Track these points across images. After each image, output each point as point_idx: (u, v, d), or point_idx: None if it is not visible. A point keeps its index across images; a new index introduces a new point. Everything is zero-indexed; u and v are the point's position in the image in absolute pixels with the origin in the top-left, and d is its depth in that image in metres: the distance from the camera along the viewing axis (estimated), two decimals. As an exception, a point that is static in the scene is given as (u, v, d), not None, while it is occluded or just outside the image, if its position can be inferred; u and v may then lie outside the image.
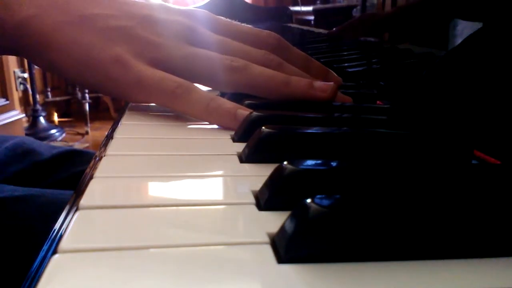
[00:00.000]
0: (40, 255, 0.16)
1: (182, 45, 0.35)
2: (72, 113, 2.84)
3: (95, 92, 2.76)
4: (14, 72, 2.36)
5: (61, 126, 2.63)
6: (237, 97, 0.38)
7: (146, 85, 0.33)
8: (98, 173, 0.23)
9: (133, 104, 0.39)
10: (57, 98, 2.74)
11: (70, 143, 2.40)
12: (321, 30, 0.96)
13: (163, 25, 0.35)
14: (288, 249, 0.16)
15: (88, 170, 0.25)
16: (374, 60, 0.57)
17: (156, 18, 0.35)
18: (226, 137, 0.31)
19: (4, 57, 2.08)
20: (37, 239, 0.21)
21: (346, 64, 0.58)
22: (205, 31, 0.37)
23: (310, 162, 0.22)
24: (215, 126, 0.34)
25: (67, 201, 0.21)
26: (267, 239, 0.17)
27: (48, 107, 2.70)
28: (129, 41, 0.33)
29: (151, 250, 0.16)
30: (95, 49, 0.32)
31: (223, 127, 0.33)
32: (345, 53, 0.68)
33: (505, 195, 0.21)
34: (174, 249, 0.16)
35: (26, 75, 2.46)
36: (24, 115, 2.35)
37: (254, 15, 1.35)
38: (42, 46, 0.32)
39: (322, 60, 0.62)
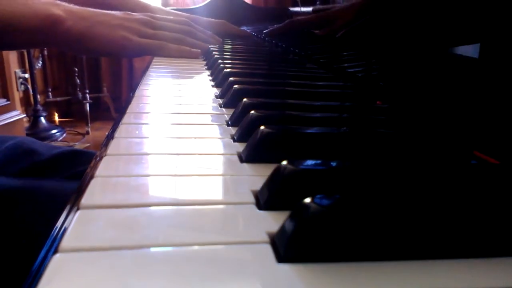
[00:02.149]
0: (40, 254, 0.16)
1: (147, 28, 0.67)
2: (72, 113, 2.83)
3: (96, 92, 2.76)
4: (15, 72, 2.36)
5: (61, 126, 2.63)
6: (237, 97, 0.38)
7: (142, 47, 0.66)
8: (98, 172, 0.23)
9: (134, 104, 0.39)
10: (58, 98, 2.73)
11: (71, 143, 2.39)
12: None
13: (135, 18, 0.67)
14: (288, 248, 0.16)
15: (88, 169, 0.25)
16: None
17: (129, 17, 0.66)
18: (226, 137, 0.31)
19: (5, 57, 2.08)
20: (36, 233, 0.21)
21: (346, 64, 0.58)
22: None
23: (309, 162, 0.22)
24: (215, 126, 0.34)
25: (66, 193, 0.21)
26: (267, 239, 0.17)
27: (49, 107, 2.70)
28: (125, 29, 0.64)
29: (151, 249, 0.16)
30: (110, 34, 0.62)
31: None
32: (345, 53, 0.68)
33: (504, 195, 0.21)
34: (174, 249, 0.17)
35: (27, 75, 2.46)
36: (25, 115, 2.34)
37: (254, 16, 1.35)
38: (83, 38, 0.60)
39: (321, 60, 0.62)
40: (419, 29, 0.40)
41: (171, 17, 0.75)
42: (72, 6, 0.60)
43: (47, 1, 0.58)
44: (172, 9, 1.14)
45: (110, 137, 0.30)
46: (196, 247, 0.17)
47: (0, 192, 0.45)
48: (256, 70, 0.58)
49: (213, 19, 0.92)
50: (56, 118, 2.82)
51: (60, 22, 0.57)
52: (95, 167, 0.24)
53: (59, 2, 0.59)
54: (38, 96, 2.48)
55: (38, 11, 0.56)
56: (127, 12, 0.68)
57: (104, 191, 0.21)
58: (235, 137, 0.31)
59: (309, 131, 0.27)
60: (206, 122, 0.35)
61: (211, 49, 0.73)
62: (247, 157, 0.26)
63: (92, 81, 2.77)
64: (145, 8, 0.83)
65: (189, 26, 0.76)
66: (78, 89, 2.69)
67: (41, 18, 0.56)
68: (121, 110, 0.38)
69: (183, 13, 0.92)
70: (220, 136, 0.31)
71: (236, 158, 0.27)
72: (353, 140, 0.27)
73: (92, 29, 0.60)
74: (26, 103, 2.53)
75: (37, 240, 0.19)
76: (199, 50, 0.73)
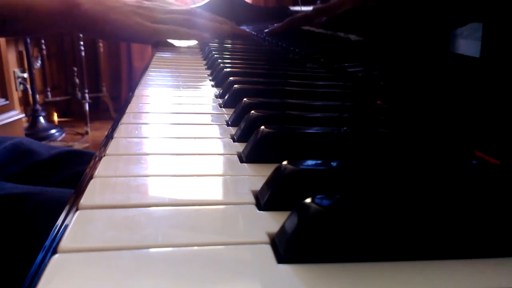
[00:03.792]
0: (40, 255, 0.16)
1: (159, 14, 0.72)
2: (72, 113, 2.83)
3: (95, 92, 2.76)
4: (14, 72, 2.36)
5: (61, 126, 2.62)
6: (237, 97, 0.38)
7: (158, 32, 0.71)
8: (98, 173, 0.23)
9: (133, 104, 0.39)
10: (57, 98, 2.73)
11: (70, 143, 2.39)
12: (321, 30, 0.96)
13: (146, 6, 0.72)
14: (288, 249, 0.16)
15: (88, 170, 0.24)
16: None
17: (141, 4, 0.71)
18: (226, 137, 0.31)
19: (4, 57, 2.08)
20: (37, 236, 0.21)
21: (347, 64, 0.58)
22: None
23: (310, 162, 0.22)
24: (215, 126, 0.34)
25: (68, 199, 0.21)
26: (267, 239, 0.17)
27: (48, 107, 2.70)
28: (138, 15, 0.69)
29: (151, 250, 0.16)
30: (125, 20, 0.66)
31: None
32: (345, 53, 0.68)
33: (505, 195, 0.21)
34: (173, 249, 0.16)
35: (25, 75, 2.45)
36: (24, 115, 2.34)
37: (254, 15, 1.35)
38: (99, 22, 0.65)
39: (323, 60, 0.62)
40: (418, 22, 0.40)
41: (176, 7, 0.80)
42: None
43: None
44: None
45: (109, 137, 0.30)
46: (195, 248, 0.17)
47: (0, 195, 0.45)
48: (256, 70, 0.58)
49: (214, 15, 0.93)
50: (55, 118, 2.81)
51: (77, 6, 0.62)
52: (94, 167, 0.24)
53: None
54: (37, 96, 2.47)
55: None
56: (139, 0, 0.72)
57: (104, 192, 0.21)
58: (235, 137, 0.31)
59: (309, 131, 0.27)
60: (206, 122, 0.35)
61: (211, 48, 0.73)
62: (247, 157, 0.26)
63: (92, 81, 2.77)
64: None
65: (195, 14, 0.79)
66: (77, 89, 2.69)
67: (59, 2, 0.61)
68: (121, 110, 0.38)
69: (185, 6, 0.94)
70: (220, 136, 0.31)
71: (236, 158, 0.27)
72: (354, 140, 0.27)
73: (108, 13, 0.65)
74: (25, 103, 2.52)
75: (37, 241, 0.19)
76: (208, 34, 0.77)
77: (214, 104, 0.41)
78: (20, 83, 2.47)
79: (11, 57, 2.29)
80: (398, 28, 0.45)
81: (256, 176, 0.24)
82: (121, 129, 0.32)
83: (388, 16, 0.47)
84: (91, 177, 0.23)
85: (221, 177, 0.24)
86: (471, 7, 0.32)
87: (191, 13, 0.79)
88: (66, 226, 0.18)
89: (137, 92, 0.44)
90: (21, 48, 2.44)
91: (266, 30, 0.94)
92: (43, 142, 0.70)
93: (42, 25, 0.64)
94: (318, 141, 0.26)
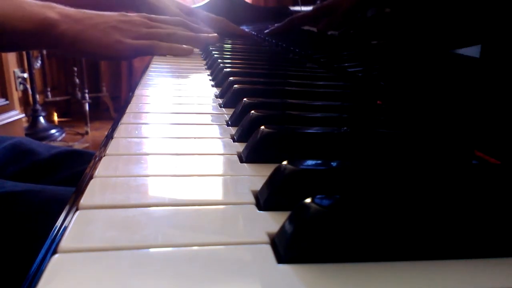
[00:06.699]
0: (40, 255, 0.16)
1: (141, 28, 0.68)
2: (72, 113, 2.83)
3: (95, 92, 2.76)
4: (14, 72, 2.36)
5: (61, 126, 2.62)
6: (237, 96, 0.38)
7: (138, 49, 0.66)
8: (98, 173, 0.23)
9: (133, 104, 0.39)
10: (57, 98, 2.73)
11: (70, 143, 2.39)
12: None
13: (129, 19, 0.67)
14: (288, 249, 0.16)
15: (88, 170, 0.24)
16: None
17: (123, 18, 0.67)
18: (226, 137, 0.31)
19: (4, 57, 2.08)
20: (37, 234, 0.21)
21: (347, 64, 0.58)
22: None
23: (310, 162, 0.22)
24: (215, 126, 0.34)
25: (68, 197, 0.21)
26: (267, 239, 0.17)
27: (48, 107, 2.70)
28: (118, 31, 0.64)
29: (151, 250, 0.16)
30: (104, 37, 0.62)
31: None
32: (345, 53, 0.68)
33: (505, 195, 0.21)
34: (174, 249, 0.16)
35: (26, 75, 2.45)
36: (24, 115, 2.34)
37: (254, 15, 1.35)
38: (76, 42, 0.60)
39: (322, 60, 0.62)
40: (419, 25, 0.40)
41: (165, 18, 0.75)
42: (67, 9, 0.61)
43: (42, 3, 0.59)
44: None
45: (109, 137, 0.30)
46: (195, 248, 0.17)
47: (0, 193, 0.45)
48: (256, 70, 0.58)
49: (213, 15, 0.92)
50: (55, 118, 2.81)
51: (54, 26, 0.58)
52: (94, 167, 0.24)
53: (54, 4, 0.60)
54: (37, 96, 2.47)
55: (33, 14, 0.57)
56: (123, 13, 0.68)
57: (104, 192, 0.21)
58: (235, 137, 0.31)
59: (309, 131, 0.27)
60: (206, 122, 0.35)
61: (211, 48, 0.73)
62: (247, 157, 0.26)
63: (92, 81, 2.77)
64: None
65: (183, 24, 0.75)
66: (77, 89, 2.69)
67: (35, 21, 0.57)
68: (121, 110, 0.38)
69: (185, 5, 0.91)
70: (220, 136, 0.31)
71: (236, 158, 0.27)
72: (354, 140, 0.27)
73: (86, 32, 0.61)
74: (25, 103, 2.52)
75: (37, 239, 0.19)
76: (191, 47, 0.72)
77: (214, 104, 0.41)
78: (20, 83, 2.47)
79: (11, 57, 2.29)
80: (398, 28, 0.45)
81: (256, 176, 0.24)
82: (121, 129, 0.32)
83: (388, 16, 0.47)
84: (91, 177, 0.23)
85: (221, 177, 0.24)
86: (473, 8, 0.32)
87: (179, 23, 0.74)
88: (66, 226, 0.18)
89: (137, 92, 0.44)
90: (21, 48, 2.44)
91: (266, 31, 0.93)
92: (43, 142, 0.70)
93: (15, 44, 0.61)
94: (318, 141, 0.26)
